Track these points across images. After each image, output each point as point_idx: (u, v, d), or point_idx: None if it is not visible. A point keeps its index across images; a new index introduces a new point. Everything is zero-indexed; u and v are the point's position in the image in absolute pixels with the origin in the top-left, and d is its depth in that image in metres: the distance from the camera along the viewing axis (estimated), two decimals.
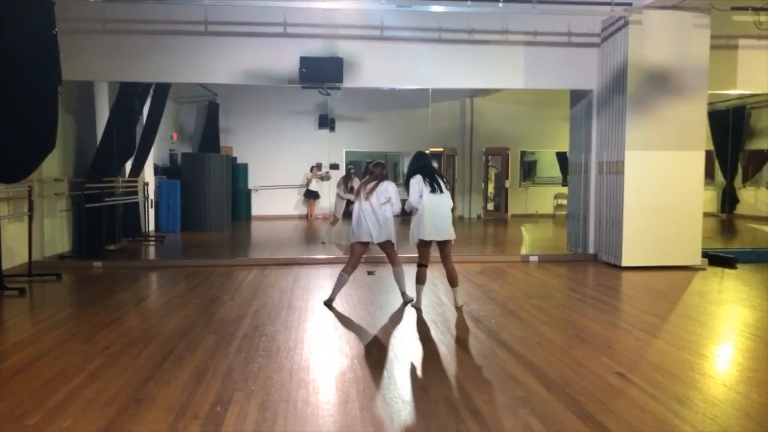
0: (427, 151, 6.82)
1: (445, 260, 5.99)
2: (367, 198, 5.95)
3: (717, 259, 8.86)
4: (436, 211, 5.79)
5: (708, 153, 9.04)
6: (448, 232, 5.87)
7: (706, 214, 9.40)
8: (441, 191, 5.84)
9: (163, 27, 8.63)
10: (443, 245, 5.93)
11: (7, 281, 6.87)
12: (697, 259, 8.64)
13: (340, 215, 10.79)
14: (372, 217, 5.92)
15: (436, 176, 5.94)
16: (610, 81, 8.92)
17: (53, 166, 8.82)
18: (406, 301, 6.17)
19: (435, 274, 7.96)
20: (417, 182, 5.85)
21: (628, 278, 7.95)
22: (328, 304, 6.17)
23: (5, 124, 6.58)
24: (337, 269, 8.38)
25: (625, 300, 6.84)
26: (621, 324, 5.58)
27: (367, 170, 6.16)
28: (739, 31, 9.26)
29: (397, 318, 5.71)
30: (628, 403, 3.59)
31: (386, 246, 6.09)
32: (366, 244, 6.08)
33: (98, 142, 9.87)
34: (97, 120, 10.25)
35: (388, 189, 5.96)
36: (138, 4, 8.35)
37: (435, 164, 6.49)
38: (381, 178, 6.04)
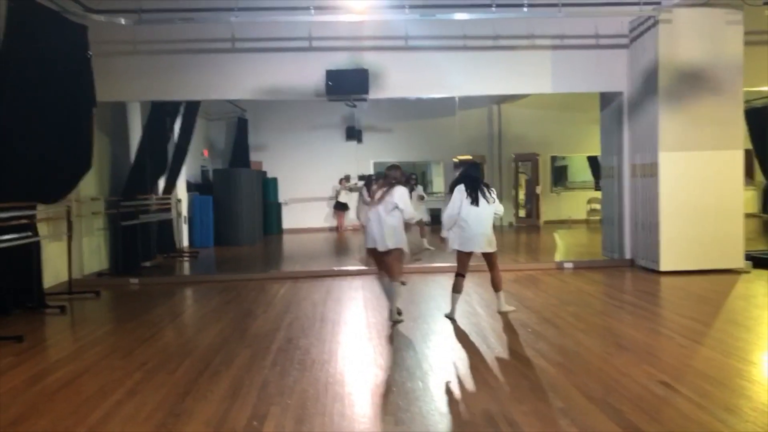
0: (475, 161, 6.70)
1: (490, 268, 6.03)
2: (376, 205, 5.81)
3: (762, 262, 8.55)
4: (475, 222, 5.77)
5: (746, 152, 8.75)
6: (487, 244, 5.83)
7: (747, 215, 9.10)
8: (478, 204, 5.78)
9: (192, 46, 8.81)
10: (487, 255, 5.95)
11: (48, 299, 7.06)
12: (740, 262, 8.35)
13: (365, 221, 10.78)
14: (377, 224, 5.75)
15: (480, 187, 5.89)
16: (641, 82, 8.74)
17: (90, 185, 9.04)
18: (394, 320, 5.76)
19: (468, 284, 7.88)
20: (458, 192, 5.86)
21: (668, 283, 7.73)
22: (395, 320, 5.81)
23: (44, 147, 6.78)
24: (368, 281, 8.40)
25: (666, 306, 6.64)
26: (662, 330, 5.42)
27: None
28: None
29: (431, 329, 5.65)
30: (674, 413, 3.47)
31: (389, 255, 5.76)
32: (379, 251, 5.81)
33: (132, 161, 10.09)
34: (130, 139, 10.48)
35: (394, 196, 5.72)
36: (167, 25, 8.54)
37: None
38: (395, 182, 5.83)
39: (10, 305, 6.63)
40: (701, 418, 3.38)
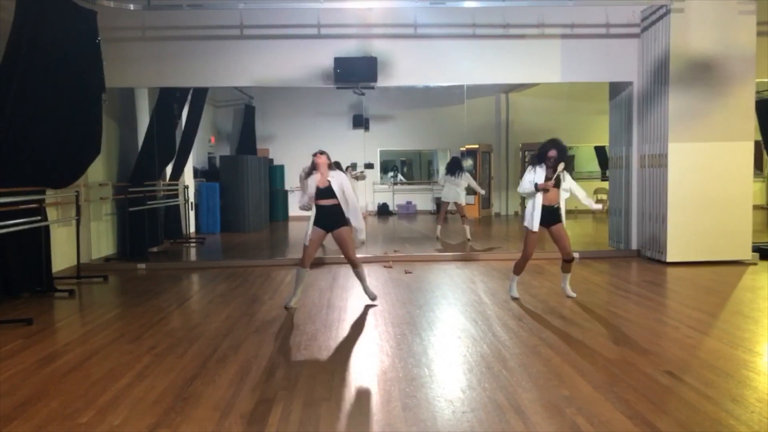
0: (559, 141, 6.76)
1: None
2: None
3: None
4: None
5: (756, 143, 8.69)
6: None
7: (755, 207, 9.06)
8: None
9: (200, 33, 8.79)
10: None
11: (57, 283, 7.12)
12: (747, 254, 8.33)
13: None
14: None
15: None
16: (652, 72, 8.68)
17: (98, 171, 9.08)
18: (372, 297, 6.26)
19: (473, 272, 7.90)
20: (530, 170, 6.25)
21: (674, 274, 7.72)
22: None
23: (53, 132, 6.80)
24: (375, 268, 8.42)
25: (672, 296, 6.64)
26: (668, 321, 5.42)
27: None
28: None
29: (436, 317, 5.68)
30: (680, 403, 3.48)
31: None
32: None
33: (140, 147, 10.11)
34: (138, 125, 10.51)
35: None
36: (176, 11, 8.53)
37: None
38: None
39: (20, 289, 6.70)
40: (707, 408, 3.39)
